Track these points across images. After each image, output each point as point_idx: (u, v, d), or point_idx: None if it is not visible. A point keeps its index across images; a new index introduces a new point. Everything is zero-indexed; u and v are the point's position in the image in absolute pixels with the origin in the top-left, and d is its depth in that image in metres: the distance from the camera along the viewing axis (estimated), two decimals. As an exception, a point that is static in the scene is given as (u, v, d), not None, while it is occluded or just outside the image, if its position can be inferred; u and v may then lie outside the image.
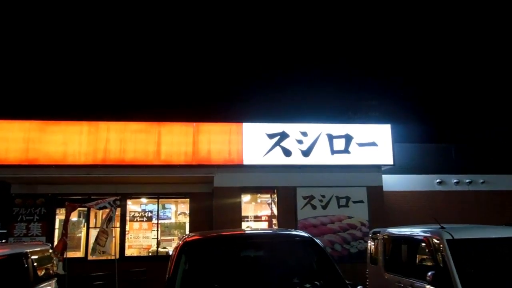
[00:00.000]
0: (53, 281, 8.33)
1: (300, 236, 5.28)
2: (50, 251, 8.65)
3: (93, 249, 10.76)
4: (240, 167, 12.40)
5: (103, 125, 12.09)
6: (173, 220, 14.47)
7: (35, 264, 7.75)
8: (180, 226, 14.05)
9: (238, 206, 12.34)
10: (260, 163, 12.35)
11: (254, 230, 5.53)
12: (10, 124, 11.90)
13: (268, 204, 14.20)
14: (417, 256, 6.63)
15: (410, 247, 6.82)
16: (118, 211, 11.54)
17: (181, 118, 12.38)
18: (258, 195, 13.62)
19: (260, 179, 12.52)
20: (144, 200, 14.44)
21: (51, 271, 8.41)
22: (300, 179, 12.65)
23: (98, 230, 10.88)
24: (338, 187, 12.69)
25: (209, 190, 13.95)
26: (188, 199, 14.06)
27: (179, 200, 14.65)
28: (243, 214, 12.53)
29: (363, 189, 12.77)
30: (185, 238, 5.32)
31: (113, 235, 10.93)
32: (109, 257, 13.12)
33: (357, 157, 12.71)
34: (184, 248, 5.04)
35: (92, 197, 12.83)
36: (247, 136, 12.43)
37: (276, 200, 12.64)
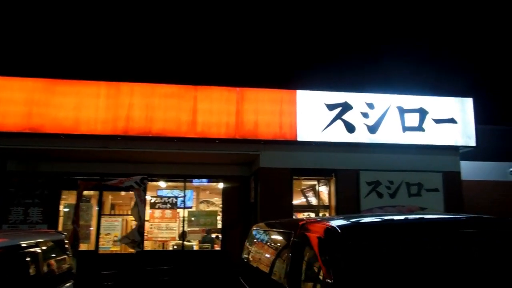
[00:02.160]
0: (70, 283, 6.00)
1: None
2: (66, 242, 6.29)
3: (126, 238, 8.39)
4: (292, 144, 10.08)
5: (125, 87, 9.68)
6: (201, 208, 12.15)
7: (45, 260, 5.41)
8: (210, 215, 11.72)
9: (289, 192, 10.03)
10: (317, 139, 10.03)
11: (430, 215, 3.27)
12: (9, 82, 9.43)
13: (312, 191, 11.93)
14: None
15: None
16: (140, 192, 9.13)
17: (222, 82, 10.00)
18: (303, 180, 11.30)
19: (316, 160, 10.21)
20: (167, 184, 12.09)
21: (66, 270, 6.06)
22: (364, 161, 10.36)
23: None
24: (409, 172, 10.42)
25: (246, 172, 11.64)
26: (221, 183, 11.73)
27: (211, 184, 12.33)
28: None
29: (438, 175, 10.52)
30: (336, 224, 3.02)
31: (139, 222, 8.58)
32: (127, 251, 10.83)
33: (433, 136, 10.44)
34: (345, 241, 2.76)
35: (105, 178, 10.44)
36: (302, 106, 10.09)
37: (334, 187, 10.34)
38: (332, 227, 3.01)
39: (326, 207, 11.74)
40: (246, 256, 5.84)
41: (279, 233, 4.24)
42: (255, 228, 5.98)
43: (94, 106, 9.43)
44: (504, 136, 12.20)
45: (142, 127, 9.54)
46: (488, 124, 12.34)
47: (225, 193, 11.58)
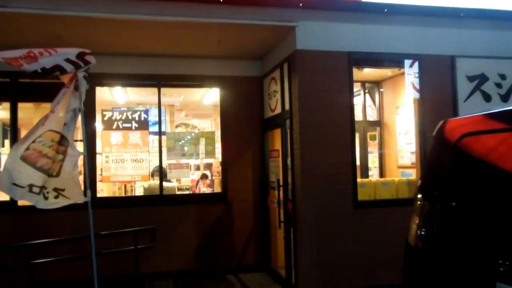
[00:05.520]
0: None
1: None
2: None
3: (28, 187, 3.93)
4: (352, 11, 5.77)
5: None
6: (188, 128, 7.89)
7: None
8: (204, 138, 7.42)
9: (347, 93, 5.83)
10: (392, 1, 5.78)
11: None
12: None
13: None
14: None
15: None
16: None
17: None
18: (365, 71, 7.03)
19: (387, 40, 5.98)
20: (130, 89, 7.69)
21: None
22: (463, 41, 6.25)
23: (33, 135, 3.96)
24: (529, 60, 6.46)
25: (256, 71, 7.34)
26: (217, 89, 7.37)
27: (200, 90, 7.98)
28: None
29: None
30: None
31: (81, 151, 4.19)
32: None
33: None
34: None
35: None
36: None
37: (418, 81, 6.20)
38: None
39: (375, 124, 7.85)
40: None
41: None
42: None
43: None
44: None
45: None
46: None
47: (223, 105, 7.26)
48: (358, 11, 5.77)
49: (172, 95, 9.18)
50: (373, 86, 7.96)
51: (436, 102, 6.10)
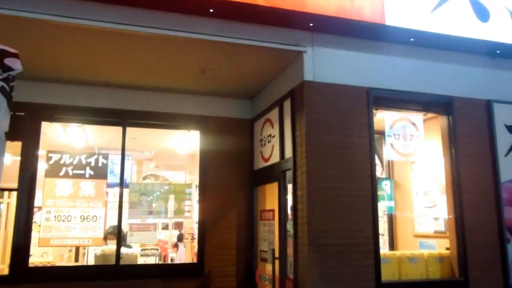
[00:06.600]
0: None
1: None
2: None
3: None
4: (372, 39, 4.64)
5: None
6: (158, 181, 6.43)
7: None
8: (177, 193, 5.87)
9: (366, 138, 4.54)
10: (421, 27, 4.68)
11: None
12: None
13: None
14: None
15: None
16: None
17: None
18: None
19: (413, 77, 4.83)
20: (91, 130, 6.26)
21: None
22: (498, 84, 5.18)
23: None
24: None
25: (245, 114, 6.05)
26: (197, 133, 5.97)
27: (174, 135, 6.59)
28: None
29: None
30: None
31: None
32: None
33: None
34: None
35: None
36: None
37: (446, 132, 4.99)
38: None
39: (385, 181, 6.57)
40: None
41: None
42: None
43: None
44: None
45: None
46: None
47: (204, 152, 5.85)
48: (378, 41, 4.63)
49: (144, 149, 7.84)
50: (380, 136, 6.78)
51: (472, 156, 4.89)
